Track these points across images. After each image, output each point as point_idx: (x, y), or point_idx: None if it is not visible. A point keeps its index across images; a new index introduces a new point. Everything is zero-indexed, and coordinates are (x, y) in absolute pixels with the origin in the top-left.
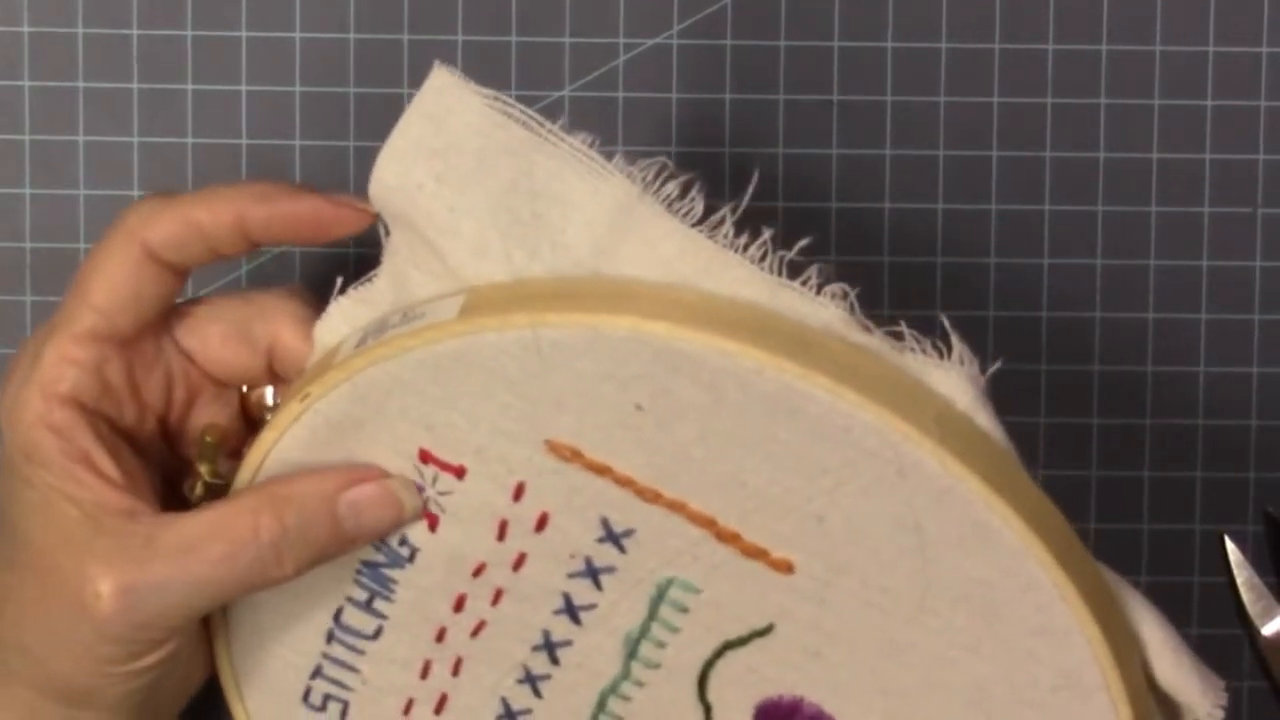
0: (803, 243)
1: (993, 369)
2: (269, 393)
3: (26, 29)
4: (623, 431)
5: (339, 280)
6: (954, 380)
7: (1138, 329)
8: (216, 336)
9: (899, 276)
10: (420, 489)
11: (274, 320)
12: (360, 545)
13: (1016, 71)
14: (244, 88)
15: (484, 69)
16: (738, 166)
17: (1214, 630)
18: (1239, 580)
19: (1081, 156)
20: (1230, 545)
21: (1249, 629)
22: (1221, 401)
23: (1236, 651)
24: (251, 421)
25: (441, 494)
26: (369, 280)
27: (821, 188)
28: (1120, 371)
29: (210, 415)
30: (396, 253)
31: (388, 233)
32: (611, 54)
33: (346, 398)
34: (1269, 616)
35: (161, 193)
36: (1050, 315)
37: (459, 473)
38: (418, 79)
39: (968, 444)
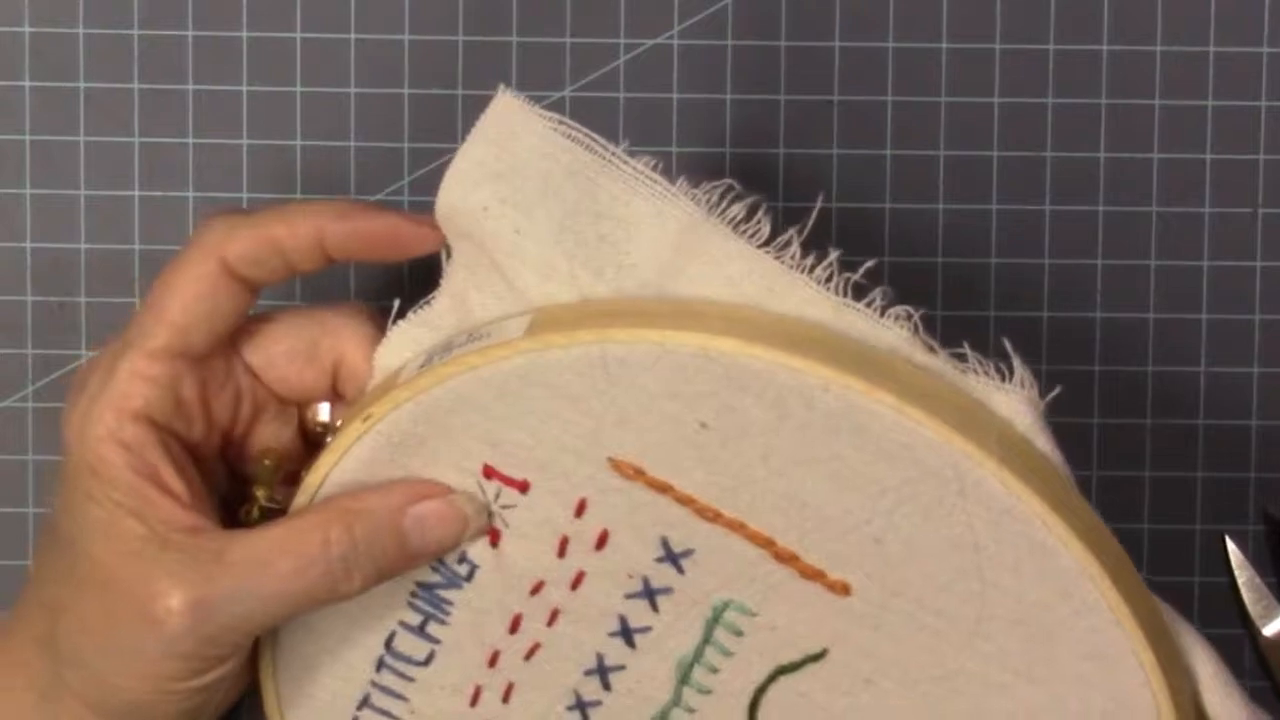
0: (869, 264)
1: (1052, 395)
2: (324, 409)
3: (27, 29)
4: (686, 449)
5: (396, 302)
6: (1014, 403)
7: (1138, 329)
8: (283, 354)
9: (899, 276)
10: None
11: (340, 339)
12: (423, 561)
13: (1016, 71)
14: (244, 88)
15: (484, 69)
16: (738, 166)
17: (1214, 630)
18: (1239, 580)
19: (1081, 156)
20: (1231, 545)
21: (1249, 629)
22: (1221, 401)
23: (1237, 651)
24: (309, 440)
25: (505, 508)
26: (428, 303)
27: (821, 188)
28: (1120, 371)
29: (273, 432)
30: (457, 274)
31: (448, 255)
32: (612, 54)
33: (409, 417)
34: (1269, 616)
35: (238, 209)
36: (1050, 315)
37: (523, 487)
38: (419, 79)
39: (1027, 465)
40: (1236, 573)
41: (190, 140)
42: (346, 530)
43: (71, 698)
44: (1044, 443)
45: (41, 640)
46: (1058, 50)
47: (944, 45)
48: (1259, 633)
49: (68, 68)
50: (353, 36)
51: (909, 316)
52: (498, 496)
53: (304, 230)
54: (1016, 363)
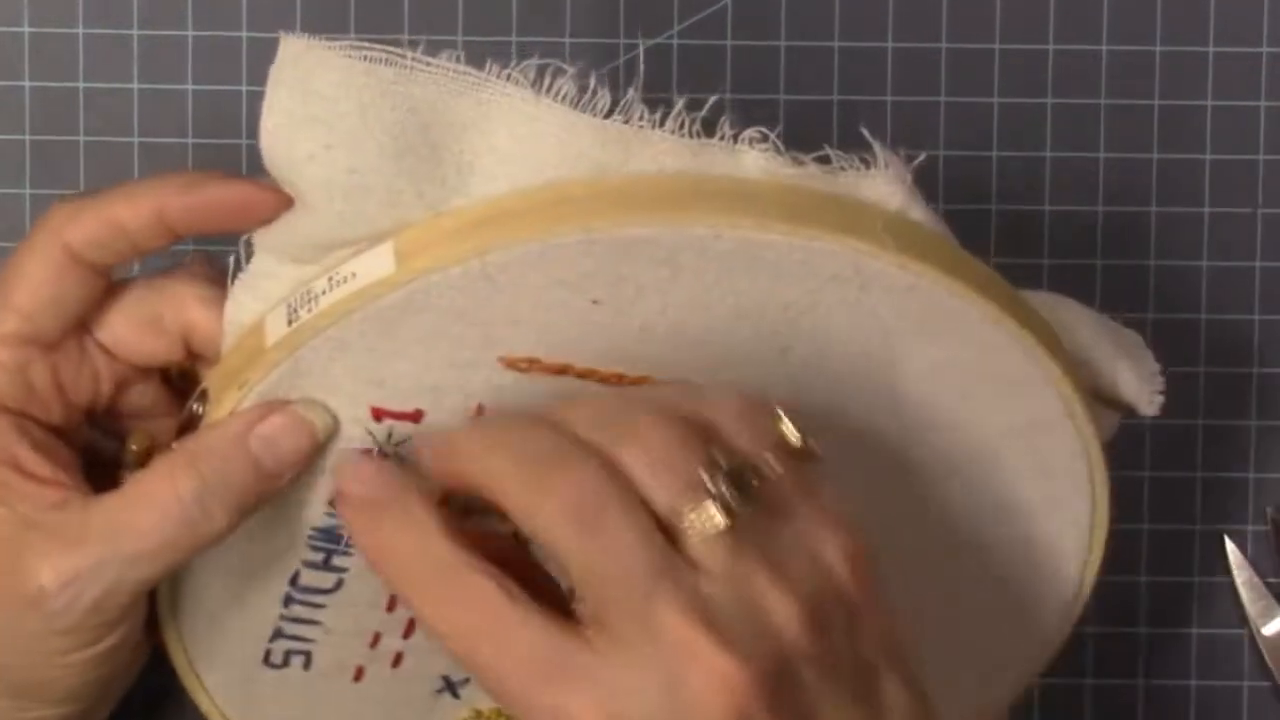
0: (712, 99)
1: (919, 159)
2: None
3: (27, 29)
4: (580, 328)
5: (231, 259)
6: (883, 186)
7: (1138, 329)
8: (127, 328)
9: None
10: (370, 450)
11: (183, 305)
12: (287, 478)
13: (1016, 71)
14: (244, 88)
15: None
16: None
17: (1214, 630)
18: (1239, 580)
19: (1081, 156)
20: (1230, 545)
21: (1249, 629)
22: (1221, 401)
23: (1237, 651)
24: (176, 391)
25: (399, 444)
26: (267, 252)
27: None
28: None
29: (139, 398)
30: (301, 223)
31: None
32: (612, 54)
33: (288, 374)
34: (1269, 616)
35: (82, 192)
36: None
37: (415, 418)
38: None
39: (914, 240)
40: (1236, 573)
41: (190, 140)
42: (192, 472)
43: None
44: (919, 213)
45: None
46: (1058, 50)
47: (944, 45)
48: (1259, 633)
49: (68, 68)
50: (353, 37)
51: (764, 138)
52: (390, 436)
53: (145, 208)
54: (876, 146)
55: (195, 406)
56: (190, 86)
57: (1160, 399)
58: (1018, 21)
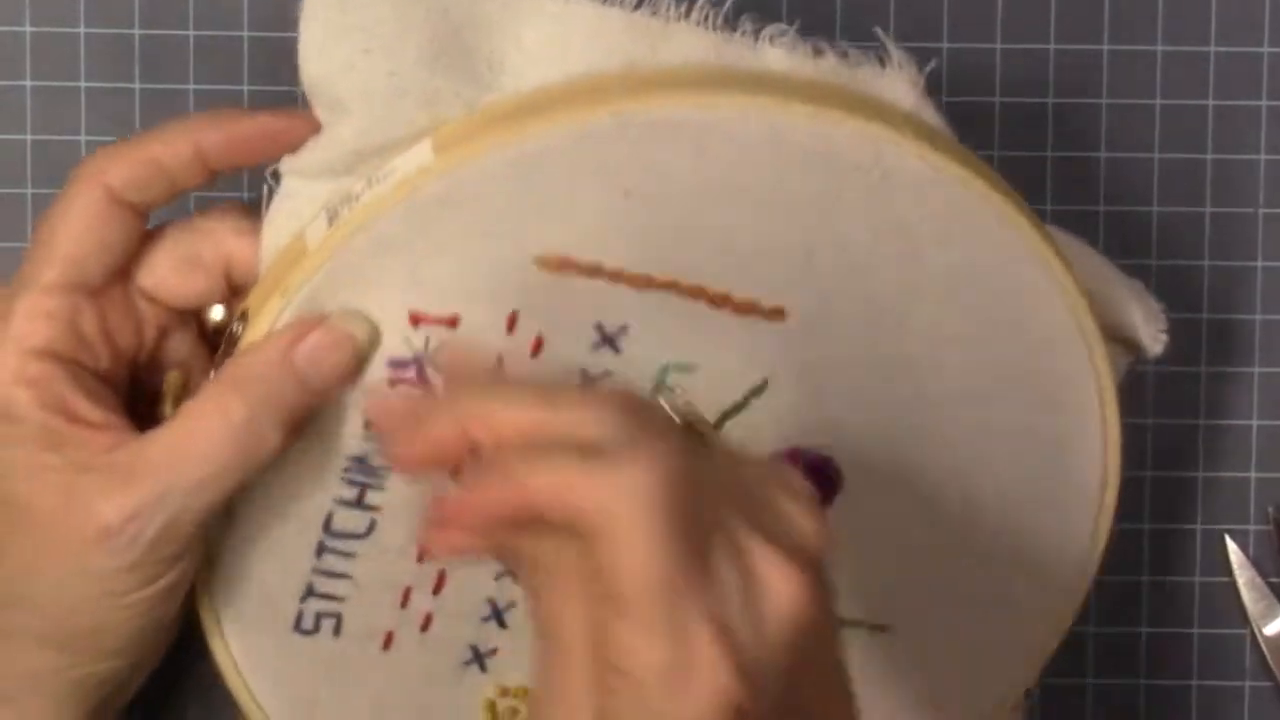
0: None
1: (929, 66)
2: (216, 310)
3: (28, 29)
4: (611, 224)
5: (266, 189)
6: (898, 85)
7: None
8: (168, 269)
9: None
10: (409, 361)
11: (220, 239)
12: (332, 393)
13: (1017, 71)
14: (245, 88)
15: None
16: None
17: (1214, 630)
18: (1240, 580)
19: (1081, 156)
20: (1231, 545)
21: (1251, 629)
22: (1221, 401)
23: (1237, 651)
24: (212, 345)
25: (435, 352)
26: (299, 176)
27: None
28: None
29: (178, 347)
30: (337, 142)
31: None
32: None
33: (329, 277)
34: (1270, 616)
35: (116, 141)
36: None
37: (452, 322)
38: None
39: (931, 136)
40: (1236, 573)
41: None
42: (240, 395)
43: (22, 638)
44: (930, 115)
45: None
46: (1058, 50)
47: (944, 45)
48: (1259, 633)
49: (68, 68)
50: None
51: (784, 31)
52: (427, 344)
53: (182, 146)
54: (891, 47)
55: (236, 328)
56: (190, 86)
57: (1164, 338)
58: (1018, 21)
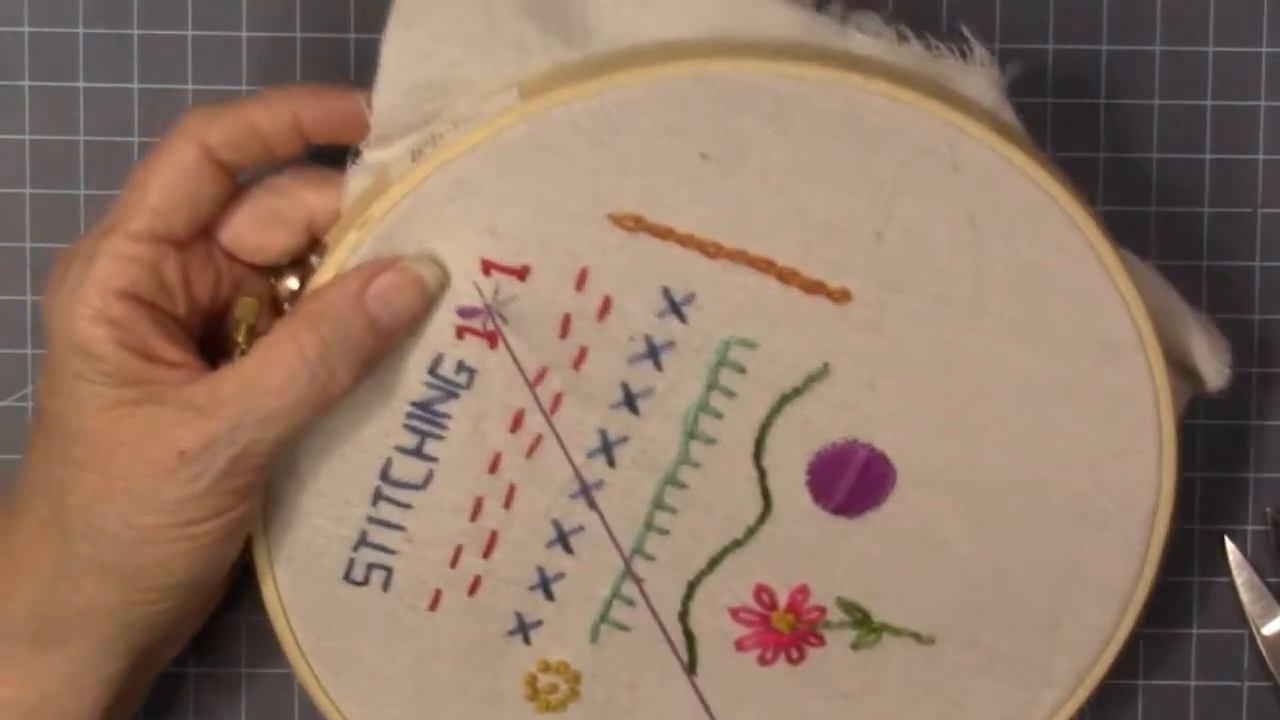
0: None
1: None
2: (292, 281)
3: (27, 29)
4: (686, 187)
5: (349, 159)
6: (979, 81)
7: None
8: (248, 225)
9: None
10: (478, 310)
11: (299, 194)
12: (403, 335)
13: (1016, 71)
14: (244, 87)
15: None
16: None
17: (1214, 630)
18: (1239, 580)
19: (1082, 156)
20: (1230, 545)
21: (1249, 629)
22: (1221, 400)
23: (1237, 651)
24: (278, 312)
25: (504, 303)
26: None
27: None
28: None
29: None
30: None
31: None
32: None
33: (406, 215)
34: (1268, 617)
35: (216, 100)
36: None
37: (523, 274)
38: None
39: (1006, 132)
40: (1236, 573)
41: None
42: (314, 332)
43: (88, 568)
44: (1009, 115)
45: (46, 523)
46: (1058, 50)
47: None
48: (1259, 633)
49: (68, 68)
50: (353, 36)
51: (870, 18)
52: (496, 293)
53: (281, 113)
54: (976, 44)
55: (314, 260)
56: (190, 86)
57: (1227, 373)
58: (1018, 21)
